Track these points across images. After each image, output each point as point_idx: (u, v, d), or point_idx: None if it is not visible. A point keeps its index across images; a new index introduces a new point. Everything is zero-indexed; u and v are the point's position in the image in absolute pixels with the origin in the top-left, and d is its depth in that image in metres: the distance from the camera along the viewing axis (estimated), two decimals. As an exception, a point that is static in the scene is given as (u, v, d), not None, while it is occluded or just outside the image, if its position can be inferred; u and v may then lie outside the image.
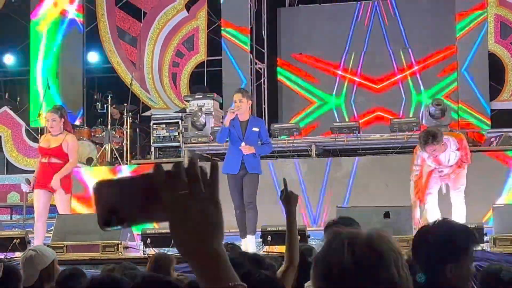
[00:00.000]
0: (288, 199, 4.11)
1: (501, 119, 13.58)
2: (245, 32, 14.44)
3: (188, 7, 15.32)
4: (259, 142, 8.88)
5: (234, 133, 8.86)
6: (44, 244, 8.49)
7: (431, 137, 8.25)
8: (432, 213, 8.35)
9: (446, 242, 2.94)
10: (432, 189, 8.54)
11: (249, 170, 8.79)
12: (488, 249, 7.62)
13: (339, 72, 14.99)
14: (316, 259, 1.68)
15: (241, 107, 8.84)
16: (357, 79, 14.91)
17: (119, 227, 1.41)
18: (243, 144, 8.74)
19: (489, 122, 13.36)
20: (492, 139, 12.17)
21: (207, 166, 1.47)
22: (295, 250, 4.00)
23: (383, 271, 1.61)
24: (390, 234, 1.61)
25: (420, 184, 8.46)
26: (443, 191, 8.56)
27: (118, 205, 1.39)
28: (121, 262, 6.02)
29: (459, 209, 8.45)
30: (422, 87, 14.60)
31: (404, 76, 14.77)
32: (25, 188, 10.53)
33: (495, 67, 13.85)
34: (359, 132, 11.76)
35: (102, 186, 1.41)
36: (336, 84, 15.00)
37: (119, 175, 11.61)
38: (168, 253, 8.13)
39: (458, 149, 8.35)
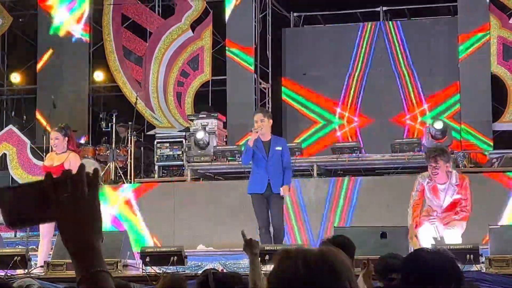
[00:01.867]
0: (250, 247, 4.33)
1: (503, 140, 13.64)
2: (250, 52, 14.56)
3: (193, 27, 15.45)
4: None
5: (258, 153, 9.00)
6: (45, 261, 8.59)
7: (439, 150, 8.36)
8: (424, 235, 8.34)
9: (436, 273, 2.98)
10: (422, 233, 8.45)
11: (274, 190, 8.93)
12: (484, 270, 7.65)
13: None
14: (270, 277, 1.76)
15: (263, 127, 8.96)
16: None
17: (23, 226, 1.71)
18: (281, 193, 8.91)
19: (491, 143, 13.41)
20: (494, 160, 12.21)
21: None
22: (258, 283, 4.16)
23: (337, 284, 1.69)
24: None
25: (417, 212, 8.44)
26: (437, 236, 8.40)
27: (19, 208, 1.65)
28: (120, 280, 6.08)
29: (459, 231, 8.44)
30: (427, 111, 14.63)
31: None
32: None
33: (498, 88, 13.91)
34: (360, 152, 11.82)
35: (3, 192, 1.66)
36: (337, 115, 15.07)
37: (121, 192, 11.72)
38: (172, 271, 8.22)
39: (457, 186, 8.34)
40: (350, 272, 1.72)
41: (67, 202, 1.64)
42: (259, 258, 8.36)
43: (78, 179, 1.65)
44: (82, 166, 1.69)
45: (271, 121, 9.18)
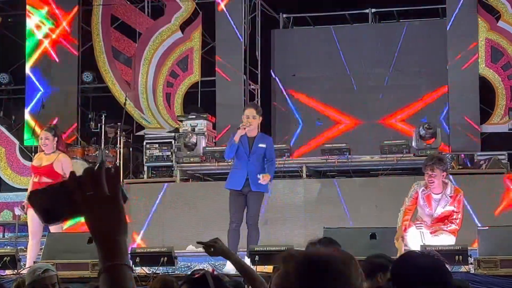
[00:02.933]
0: (216, 249, 4.13)
1: (491, 142, 13.71)
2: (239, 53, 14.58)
3: (182, 28, 15.45)
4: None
5: (241, 149, 8.88)
6: (35, 262, 8.57)
7: (436, 159, 8.39)
8: (411, 238, 8.38)
9: (426, 276, 3.01)
10: (409, 237, 8.47)
11: (253, 188, 8.81)
12: (473, 271, 7.70)
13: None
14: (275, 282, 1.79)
15: (253, 124, 8.86)
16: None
17: (57, 222, 1.91)
18: (260, 177, 8.75)
19: (479, 145, 13.47)
20: (482, 162, 12.27)
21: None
22: (255, 277, 4.04)
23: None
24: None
25: (406, 217, 8.45)
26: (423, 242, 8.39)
27: (49, 206, 1.81)
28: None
29: (443, 236, 8.46)
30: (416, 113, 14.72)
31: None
32: (18, 211, 10.63)
33: (486, 90, 13.98)
34: (349, 154, 11.85)
35: (33, 195, 1.83)
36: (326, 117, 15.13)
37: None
38: (162, 272, 8.22)
39: (451, 197, 8.37)
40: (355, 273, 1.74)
41: (90, 199, 1.74)
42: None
43: (97, 177, 1.75)
44: (102, 164, 1.80)
45: (261, 118, 9.12)
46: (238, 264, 4.09)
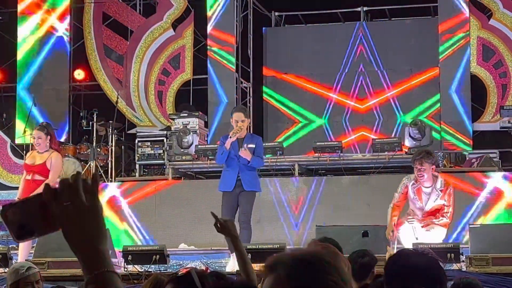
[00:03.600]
0: (225, 228, 4.17)
1: (482, 140, 13.74)
2: (231, 51, 14.57)
3: (174, 26, 15.44)
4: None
5: (231, 151, 8.94)
6: (27, 260, 8.55)
7: (424, 153, 8.44)
8: (405, 235, 8.41)
9: (421, 275, 3.01)
10: (402, 232, 8.51)
11: (245, 187, 8.86)
12: (464, 268, 7.73)
13: (324, 92, 15.14)
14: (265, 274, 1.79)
15: (243, 128, 8.94)
16: (344, 100, 15.06)
17: (30, 238, 1.76)
18: (242, 149, 8.81)
19: (471, 144, 13.50)
20: (473, 160, 12.30)
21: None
22: (250, 270, 4.05)
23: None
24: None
25: (395, 213, 8.48)
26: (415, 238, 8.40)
27: (23, 221, 1.72)
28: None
29: (441, 230, 8.48)
30: (404, 109, 14.75)
31: (387, 97, 14.93)
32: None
33: (477, 89, 14.01)
34: (341, 152, 11.86)
35: (6, 209, 1.73)
36: (321, 104, 15.14)
37: (102, 192, 11.69)
38: (155, 271, 8.22)
39: (441, 191, 8.40)
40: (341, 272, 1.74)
41: (68, 210, 1.70)
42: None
43: (74, 187, 1.71)
44: (77, 174, 1.74)
45: (249, 120, 9.18)
46: (240, 252, 4.11)
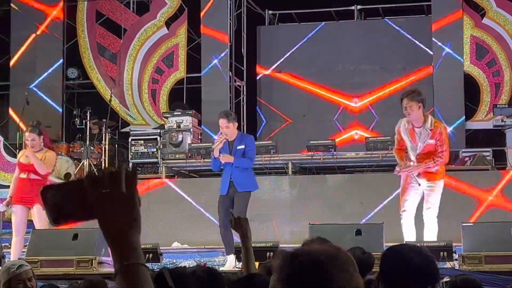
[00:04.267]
0: (238, 225, 4.30)
1: (476, 139, 13.76)
2: (225, 50, 14.56)
3: (168, 24, 15.42)
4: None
5: (224, 154, 9.00)
6: (19, 259, 8.54)
7: (410, 91, 8.57)
8: (406, 231, 8.45)
9: (415, 271, 3.01)
10: (409, 196, 8.59)
11: (238, 189, 8.93)
12: (457, 267, 7.74)
13: (318, 91, 15.15)
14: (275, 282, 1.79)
15: (228, 133, 8.99)
16: (337, 98, 15.08)
17: (66, 222, 1.76)
18: (221, 155, 8.89)
19: (464, 142, 13.52)
20: (467, 159, 12.31)
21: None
22: (252, 268, 4.17)
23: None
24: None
25: (401, 154, 8.58)
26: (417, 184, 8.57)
27: (61, 204, 1.73)
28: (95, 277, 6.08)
29: (431, 228, 8.54)
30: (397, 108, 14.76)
31: (381, 96, 14.94)
32: (2, 208, 10.61)
33: (471, 87, 14.04)
34: (335, 150, 11.87)
35: (46, 192, 1.74)
36: (314, 103, 15.15)
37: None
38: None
39: (431, 130, 8.45)
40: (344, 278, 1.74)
41: (106, 197, 1.71)
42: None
43: (116, 176, 1.72)
44: (122, 164, 1.76)
45: (236, 123, 9.22)
46: (247, 250, 4.27)
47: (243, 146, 9.03)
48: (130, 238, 1.72)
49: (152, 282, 1.77)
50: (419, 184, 8.43)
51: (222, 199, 9.02)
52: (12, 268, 5.20)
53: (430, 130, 8.43)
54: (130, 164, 12.95)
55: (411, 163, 8.50)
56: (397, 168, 8.60)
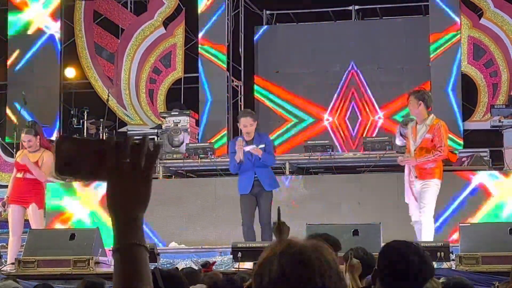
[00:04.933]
0: (280, 231, 4.20)
1: (473, 139, 13.77)
2: (222, 50, 14.56)
3: (165, 24, 15.42)
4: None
5: (245, 155, 9.01)
6: (16, 259, 8.52)
7: (418, 91, 8.83)
8: (422, 236, 8.50)
9: (410, 267, 3.01)
10: (410, 201, 8.74)
11: (266, 188, 8.96)
12: (454, 267, 7.74)
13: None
14: (253, 271, 1.77)
15: (250, 132, 9.03)
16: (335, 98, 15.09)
17: (70, 176, 1.76)
18: (249, 147, 8.88)
19: (461, 142, 13.53)
20: (464, 159, 12.31)
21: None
22: None
23: (308, 282, 1.69)
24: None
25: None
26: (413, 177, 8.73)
27: (73, 159, 1.66)
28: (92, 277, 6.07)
29: (426, 228, 8.53)
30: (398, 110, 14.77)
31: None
32: (-1, 208, 10.63)
33: (468, 88, 14.04)
34: (332, 150, 11.87)
35: (63, 141, 1.69)
36: (312, 103, 15.16)
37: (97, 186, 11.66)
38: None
39: (429, 126, 8.59)
40: (327, 270, 1.71)
41: (124, 168, 1.65)
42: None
43: (140, 148, 1.66)
44: (146, 138, 1.70)
45: (257, 121, 9.34)
46: None
47: (263, 145, 9.09)
48: (135, 214, 1.67)
49: None
50: (416, 177, 8.54)
51: (245, 199, 9.04)
52: None
53: (429, 125, 8.56)
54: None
55: (411, 159, 8.69)
56: (399, 158, 8.96)
